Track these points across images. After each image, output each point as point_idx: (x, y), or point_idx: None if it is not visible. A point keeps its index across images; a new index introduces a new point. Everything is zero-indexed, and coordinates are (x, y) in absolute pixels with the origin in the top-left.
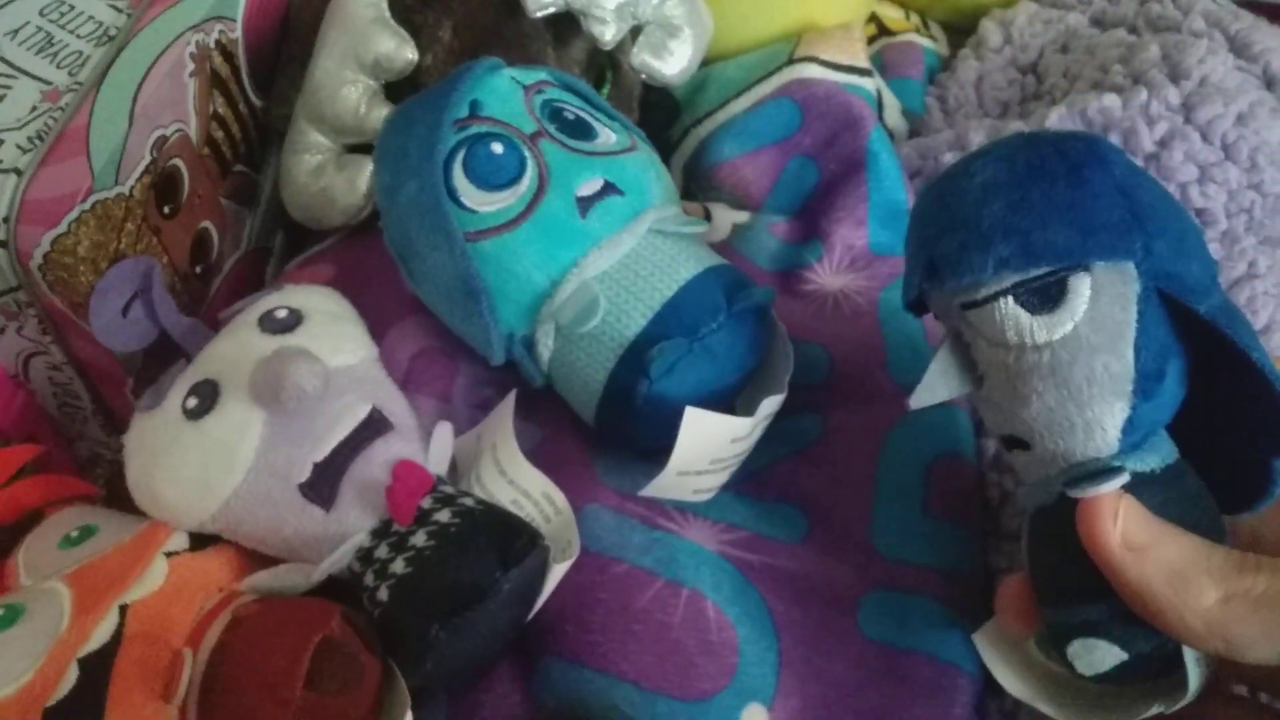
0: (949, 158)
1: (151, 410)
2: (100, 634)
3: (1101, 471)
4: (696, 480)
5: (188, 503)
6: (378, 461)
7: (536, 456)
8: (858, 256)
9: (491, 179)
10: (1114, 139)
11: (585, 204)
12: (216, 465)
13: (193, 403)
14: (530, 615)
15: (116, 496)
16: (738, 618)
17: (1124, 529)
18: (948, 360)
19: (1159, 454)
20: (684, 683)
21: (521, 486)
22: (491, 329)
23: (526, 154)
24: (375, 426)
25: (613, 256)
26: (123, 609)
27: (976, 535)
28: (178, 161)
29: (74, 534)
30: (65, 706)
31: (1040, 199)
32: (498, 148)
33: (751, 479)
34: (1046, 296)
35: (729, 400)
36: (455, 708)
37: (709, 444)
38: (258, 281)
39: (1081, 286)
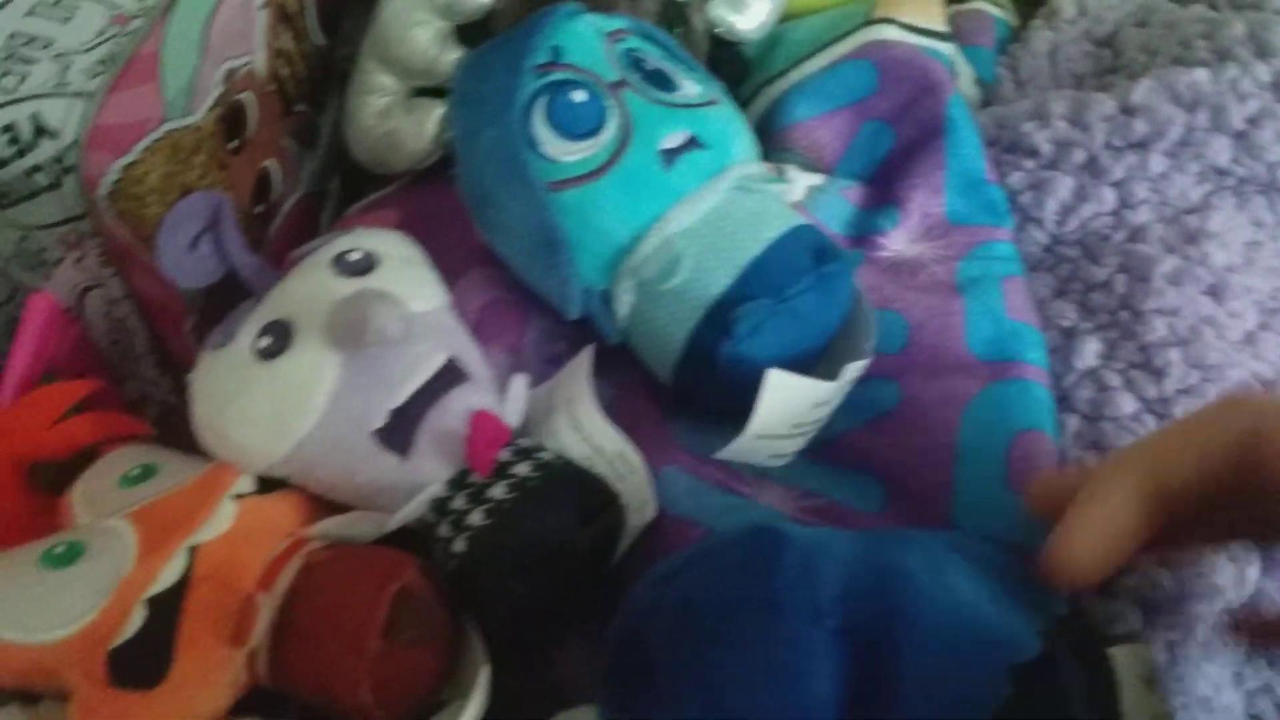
0: (1028, 128)
1: (221, 349)
2: (168, 575)
3: None
4: (774, 445)
5: (258, 445)
6: (454, 411)
7: (609, 415)
8: (934, 225)
9: (573, 128)
10: (1202, 115)
11: (669, 157)
12: (290, 408)
13: (265, 342)
14: (603, 573)
15: (166, 437)
16: None
17: None
18: None
19: None
20: None
21: (596, 444)
22: (571, 282)
23: (609, 103)
24: (452, 375)
25: (696, 212)
26: (192, 550)
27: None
28: (246, 96)
29: (134, 473)
30: (132, 647)
31: None
32: (580, 95)
33: (825, 445)
34: None
35: (810, 364)
36: (523, 664)
37: (791, 407)
38: (313, 226)
39: None
